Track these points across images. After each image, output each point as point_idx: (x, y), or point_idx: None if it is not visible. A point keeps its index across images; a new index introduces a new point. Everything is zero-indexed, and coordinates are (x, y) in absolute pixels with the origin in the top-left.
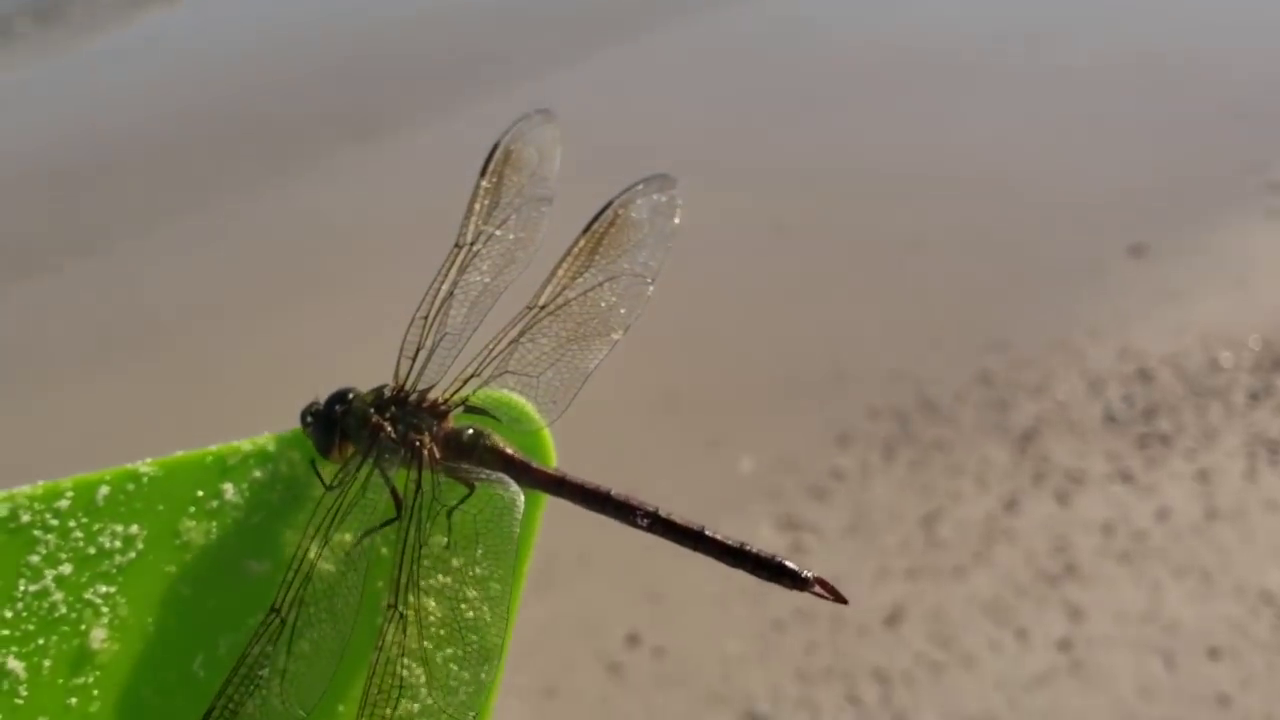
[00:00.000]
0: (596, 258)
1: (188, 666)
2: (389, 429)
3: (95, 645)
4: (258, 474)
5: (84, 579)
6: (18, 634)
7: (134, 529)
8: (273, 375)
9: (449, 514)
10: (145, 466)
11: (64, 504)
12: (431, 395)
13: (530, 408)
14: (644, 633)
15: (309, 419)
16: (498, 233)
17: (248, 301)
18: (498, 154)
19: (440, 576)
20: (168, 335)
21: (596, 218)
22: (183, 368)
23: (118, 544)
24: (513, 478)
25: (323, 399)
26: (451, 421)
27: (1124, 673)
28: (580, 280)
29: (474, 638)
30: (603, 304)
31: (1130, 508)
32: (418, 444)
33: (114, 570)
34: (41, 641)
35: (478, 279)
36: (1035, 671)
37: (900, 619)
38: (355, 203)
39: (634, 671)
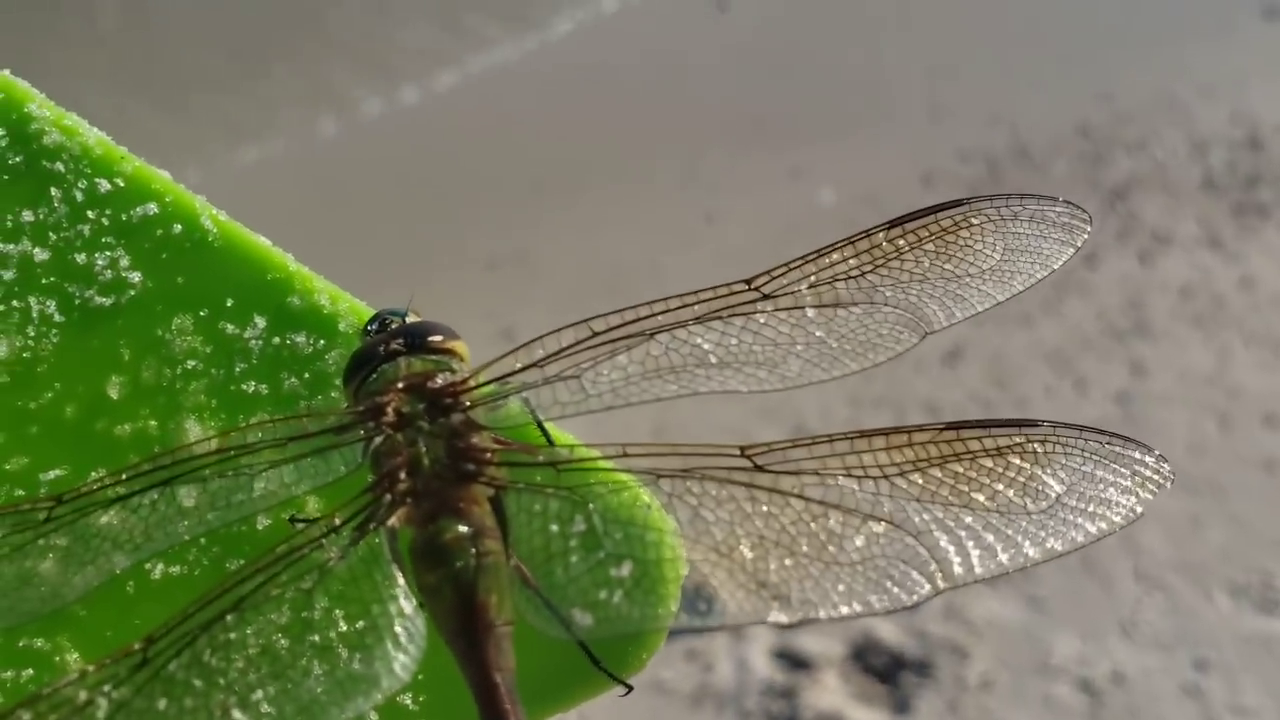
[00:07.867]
0: None
1: (41, 476)
2: (388, 426)
3: None
4: (299, 339)
5: (46, 282)
6: None
7: (136, 276)
8: None
9: (322, 580)
10: (211, 223)
11: (106, 187)
12: (479, 439)
13: (681, 552)
14: None
15: (368, 330)
16: (810, 313)
17: None
18: (942, 216)
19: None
20: None
21: None
22: None
23: (108, 276)
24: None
25: (415, 316)
26: (471, 496)
27: (1178, 430)
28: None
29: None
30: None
31: (1213, 273)
32: (387, 484)
33: (77, 302)
34: None
35: (699, 347)
36: (1088, 419)
37: (959, 358)
38: None
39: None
